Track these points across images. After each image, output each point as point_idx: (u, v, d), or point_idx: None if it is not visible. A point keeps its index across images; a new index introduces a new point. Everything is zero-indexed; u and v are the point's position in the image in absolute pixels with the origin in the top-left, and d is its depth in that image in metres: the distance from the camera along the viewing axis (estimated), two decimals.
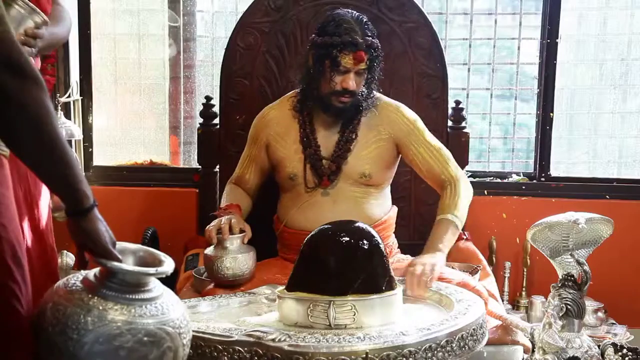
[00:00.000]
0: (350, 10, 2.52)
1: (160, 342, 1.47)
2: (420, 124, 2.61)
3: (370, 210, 2.56)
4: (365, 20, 2.48)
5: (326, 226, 2.00)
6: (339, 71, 2.42)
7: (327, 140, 2.56)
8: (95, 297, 1.44)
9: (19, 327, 1.40)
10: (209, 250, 2.35)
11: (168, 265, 1.53)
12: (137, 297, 1.48)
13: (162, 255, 1.58)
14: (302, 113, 2.58)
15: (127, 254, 1.54)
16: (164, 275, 1.52)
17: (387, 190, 2.67)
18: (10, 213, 1.41)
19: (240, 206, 2.52)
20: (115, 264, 1.46)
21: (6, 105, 1.27)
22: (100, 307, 1.43)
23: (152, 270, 1.50)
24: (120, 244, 1.51)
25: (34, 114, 1.30)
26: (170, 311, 1.52)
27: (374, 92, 2.55)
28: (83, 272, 1.52)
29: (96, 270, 1.50)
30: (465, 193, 2.51)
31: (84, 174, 1.44)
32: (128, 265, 1.49)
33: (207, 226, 2.36)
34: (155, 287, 1.54)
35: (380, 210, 2.60)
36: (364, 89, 2.48)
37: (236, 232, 2.35)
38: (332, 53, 2.40)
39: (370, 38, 2.43)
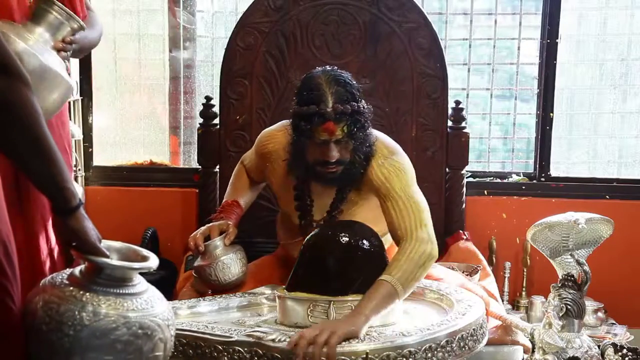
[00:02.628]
0: (326, 70, 2.19)
1: (153, 334, 1.50)
2: (403, 172, 2.24)
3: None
4: (342, 79, 2.16)
5: (326, 226, 2.00)
6: (315, 143, 2.15)
7: (321, 201, 2.34)
8: (88, 293, 1.46)
9: (11, 325, 1.41)
10: (196, 262, 2.33)
11: (152, 261, 1.56)
12: (125, 291, 1.51)
13: (145, 252, 1.61)
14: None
15: (112, 252, 1.56)
16: (149, 270, 1.55)
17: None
18: (1, 210, 1.42)
19: (240, 202, 2.45)
20: (105, 260, 1.48)
21: (5, 109, 1.29)
22: (94, 303, 1.45)
23: (138, 264, 1.54)
24: (104, 242, 1.53)
25: (20, 112, 1.30)
26: (158, 304, 1.55)
27: (371, 147, 2.23)
28: (67, 270, 1.54)
29: (81, 267, 1.53)
30: (413, 255, 2.04)
31: (70, 173, 1.45)
32: (112, 260, 1.52)
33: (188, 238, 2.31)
34: (141, 282, 1.57)
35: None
36: (354, 155, 2.18)
37: (215, 236, 2.30)
38: (304, 125, 2.13)
39: (347, 104, 2.12)
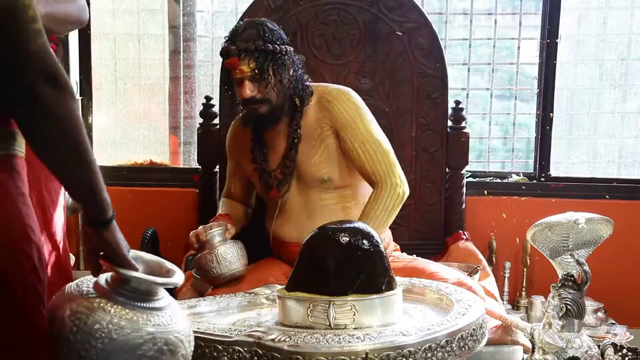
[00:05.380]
0: (253, 19, 2.44)
1: (176, 350, 1.49)
2: (362, 113, 2.44)
3: (351, 214, 2.44)
4: (259, 24, 2.36)
5: (326, 226, 2.00)
6: (235, 81, 2.37)
7: (274, 150, 2.50)
8: (116, 306, 1.45)
9: (43, 331, 1.40)
10: (197, 255, 2.36)
11: (178, 276, 1.54)
12: (151, 305, 1.49)
13: (170, 265, 1.58)
14: (249, 127, 2.54)
15: (139, 262, 1.53)
16: (175, 286, 1.54)
17: (363, 190, 2.51)
18: (35, 215, 1.42)
19: (230, 214, 2.54)
20: (135, 274, 1.46)
21: (41, 115, 1.29)
22: (122, 316, 1.44)
23: (166, 280, 1.51)
24: (133, 252, 1.52)
25: (66, 124, 1.31)
26: (180, 320, 1.54)
27: (301, 91, 2.43)
28: (91, 278, 1.53)
29: (107, 276, 1.51)
30: (388, 203, 2.34)
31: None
32: (143, 274, 1.50)
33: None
34: (164, 296, 1.55)
35: (359, 212, 2.44)
36: (274, 92, 2.35)
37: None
38: (223, 65, 2.40)
39: (252, 43, 2.31)
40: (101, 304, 1.44)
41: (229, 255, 2.32)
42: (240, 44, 2.32)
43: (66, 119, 1.31)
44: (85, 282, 1.52)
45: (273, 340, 1.74)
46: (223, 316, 2.09)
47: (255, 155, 2.52)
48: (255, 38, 2.32)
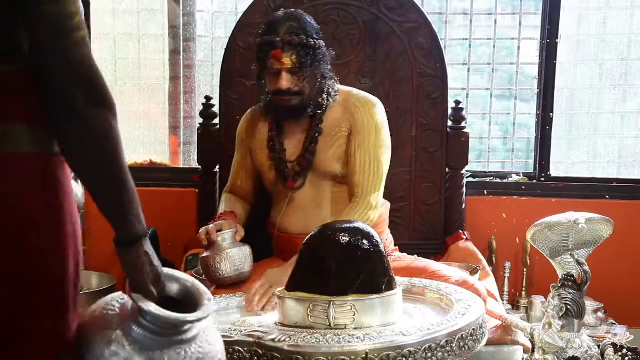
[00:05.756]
0: (289, 11, 2.49)
1: None
2: (379, 129, 2.49)
3: None
4: (299, 17, 2.43)
5: (326, 226, 2.00)
6: (271, 72, 2.42)
7: (294, 141, 2.54)
8: (134, 344, 1.32)
9: (70, 344, 1.36)
10: (204, 254, 2.36)
11: (206, 308, 1.38)
12: (177, 338, 1.35)
13: (205, 292, 1.43)
14: (269, 117, 2.58)
15: (172, 281, 1.41)
16: (199, 319, 1.37)
17: None
18: (79, 230, 1.41)
19: (235, 212, 2.53)
20: (146, 306, 1.32)
21: (81, 131, 1.27)
22: (139, 355, 1.32)
23: (181, 316, 1.34)
24: (168, 272, 1.41)
25: (111, 145, 1.29)
26: (212, 346, 1.40)
27: (332, 87, 2.49)
28: (123, 296, 1.41)
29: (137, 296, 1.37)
30: (358, 216, 2.37)
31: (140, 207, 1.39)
32: (157, 307, 1.33)
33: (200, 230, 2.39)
34: (192, 326, 1.38)
35: None
36: (308, 86, 2.42)
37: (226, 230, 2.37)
38: (260, 55, 2.43)
39: (295, 36, 2.37)
40: (117, 337, 1.32)
41: (237, 259, 2.34)
42: (285, 37, 2.37)
43: (112, 140, 1.28)
44: (117, 301, 1.40)
45: (273, 340, 1.74)
46: (223, 316, 2.09)
47: (274, 145, 2.54)
48: (299, 32, 2.39)
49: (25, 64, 1.27)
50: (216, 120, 3.11)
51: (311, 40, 2.40)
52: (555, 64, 3.36)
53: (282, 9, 2.53)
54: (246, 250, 2.37)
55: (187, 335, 1.37)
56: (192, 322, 1.36)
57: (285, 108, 2.46)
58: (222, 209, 2.60)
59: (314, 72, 2.42)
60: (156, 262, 1.37)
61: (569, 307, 2.13)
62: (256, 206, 2.72)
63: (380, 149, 2.48)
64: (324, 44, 2.46)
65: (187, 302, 1.40)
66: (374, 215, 2.44)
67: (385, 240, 2.65)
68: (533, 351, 2.27)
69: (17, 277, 1.27)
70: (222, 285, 2.34)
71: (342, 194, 2.51)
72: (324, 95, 2.47)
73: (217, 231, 2.36)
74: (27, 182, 1.29)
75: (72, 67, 1.25)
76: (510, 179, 3.44)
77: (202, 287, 1.44)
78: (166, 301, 1.37)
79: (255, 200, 2.72)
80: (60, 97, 1.26)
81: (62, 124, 1.27)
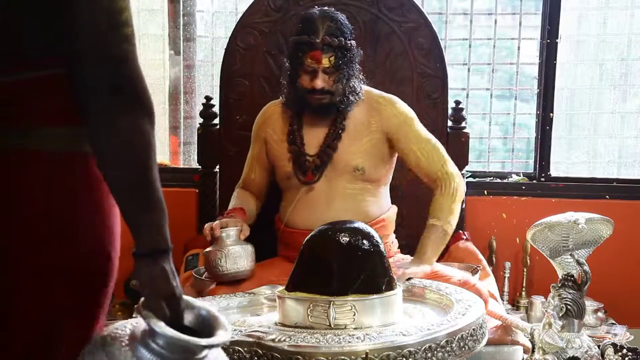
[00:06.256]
0: (324, 9, 2.53)
1: None
2: (413, 118, 2.60)
3: (367, 208, 2.56)
4: (335, 18, 2.48)
5: (326, 226, 2.00)
6: (305, 70, 2.46)
7: (314, 136, 2.57)
8: (135, 357, 1.25)
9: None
10: (207, 249, 2.37)
11: (221, 336, 1.29)
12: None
13: (222, 320, 1.34)
14: (291, 110, 2.61)
15: (188, 309, 1.32)
16: (213, 348, 1.30)
17: (385, 190, 2.67)
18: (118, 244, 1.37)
19: (244, 209, 2.54)
20: (155, 324, 1.24)
21: (112, 136, 1.23)
22: None
23: (195, 340, 1.25)
24: (185, 299, 1.32)
25: (150, 153, 1.24)
26: None
27: (358, 87, 2.55)
28: (138, 321, 1.32)
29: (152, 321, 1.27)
30: (459, 194, 2.52)
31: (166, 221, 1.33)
32: (167, 327, 1.24)
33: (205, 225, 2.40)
34: (206, 355, 1.30)
35: (377, 209, 2.59)
36: (339, 86, 2.47)
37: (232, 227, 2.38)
38: (297, 53, 2.47)
39: (335, 38, 2.43)
40: (123, 356, 1.25)
41: (238, 256, 2.35)
42: (325, 39, 2.43)
43: (140, 146, 1.23)
44: (129, 325, 1.32)
45: (273, 340, 1.74)
46: (223, 316, 2.09)
47: (295, 138, 2.57)
48: (337, 34, 2.45)
49: (64, 65, 1.24)
50: (216, 120, 3.11)
51: (348, 42, 2.47)
52: (555, 64, 3.35)
53: (316, 6, 2.58)
54: (248, 248, 2.38)
55: (199, 354, 1.28)
56: (204, 347, 1.26)
57: (315, 106, 2.50)
58: (232, 204, 2.61)
59: (347, 72, 2.48)
60: (175, 282, 1.30)
61: (569, 307, 2.13)
62: (263, 205, 2.72)
63: (423, 130, 2.59)
64: (355, 44, 2.52)
65: (202, 330, 1.32)
66: (462, 182, 2.56)
67: (392, 243, 2.67)
68: (533, 351, 2.27)
69: (57, 265, 1.26)
70: (222, 281, 2.35)
71: (353, 192, 2.55)
72: (353, 95, 2.52)
73: (221, 228, 2.37)
74: (67, 179, 1.27)
75: (116, 64, 1.22)
76: (510, 179, 3.44)
77: (220, 317, 1.35)
78: (180, 329, 1.27)
79: (266, 197, 2.73)
80: (97, 94, 1.22)
81: (94, 122, 1.23)
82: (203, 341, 1.25)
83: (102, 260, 1.32)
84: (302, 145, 2.56)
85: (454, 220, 2.49)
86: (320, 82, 2.44)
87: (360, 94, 2.56)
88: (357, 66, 2.54)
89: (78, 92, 1.24)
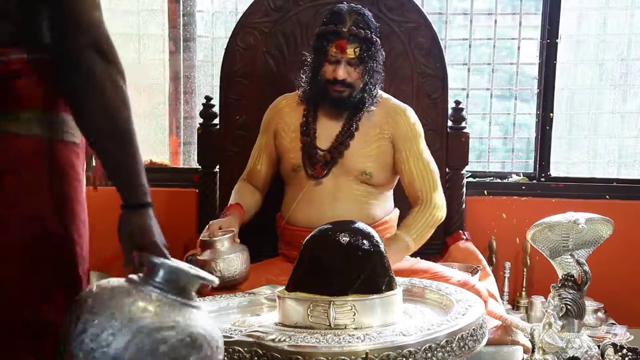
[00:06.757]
0: (352, 5, 2.56)
1: (202, 348, 1.40)
2: (421, 135, 2.62)
3: (370, 210, 2.56)
4: (362, 13, 2.51)
5: (326, 226, 2.00)
6: (329, 60, 2.47)
7: (327, 131, 2.57)
8: (142, 292, 1.38)
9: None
10: (201, 256, 2.37)
11: (214, 278, 1.49)
12: (181, 300, 1.41)
13: (208, 276, 1.50)
14: (307, 103, 2.61)
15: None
16: (210, 284, 1.48)
17: (390, 194, 2.68)
18: (85, 230, 1.45)
19: (242, 204, 2.53)
20: (164, 260, 1.40)
21: (88, 85, 1.31)
22: (146, 300, 1.37)
23: (196, 272, 1.42)
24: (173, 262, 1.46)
25: (111, 99, 1.33)
26: (210, 324, 1.46)
27: (377, 89, 2.56)
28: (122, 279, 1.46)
29: (139, 274, 1.44)
30: (430, 220, 2.52)
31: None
32: (176, 262, 1.43)
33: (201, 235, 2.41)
34: (199, 305, 1.46)
35: (381, 211, 2.60)
36: (360, 81, 2.49)
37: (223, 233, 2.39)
38: (322, 42, 2.48)
39: (361, 30, 2.45)
40: (127, 289, 1.38)
41: (232, 264, 2.36)
42: (352, 29, 2.45)
43: (112, 94, 1.32)
44: (117, 279, 1.45)
45: (273, 340, 1.74)
46: (223, 316, 2.09)
47: (309, 129, 2.58)
48: (363, 26, 2.47)
49: (43, 51, 1.31)
50: (216, 120, 3.11)
51: (373, 36, 2.49)
52: (555, 64, 3.36)
53: (344, 2, 2.60)
54: (244, 254, 2.39)
55: (193, 302, 1.42)
56: (198, 277, 1.41)
57: (334, 98, 2.51)
58: (232, 199, 2.62)
59: (369, 68, 2.49)
60: (160, 233, 1.43)
61: (569, 307, 2.13)
62: (264, 203, 2.72)
63: (426, 151, 2.61)
64: (380, 43, 2.54)
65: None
66: (442, 214, 2.57)
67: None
68: (533, 351, 2.27)
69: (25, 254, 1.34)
70: (219, 288, 2.34)
71: (358, 194, 2.55)
72: (371, 96, 2.54)
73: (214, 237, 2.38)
74: (34, 162, 1.33)
75: (81, 24, 1.30)
76: (510, 179, 3.44)
77: (208, 276, 1.48)
78: None
79: (268, 190, 2.72)
80: (68, 51, 1.30)
81: (69, 76, 1.31)
82: (201, 272, 1.42)
83: (66, 244, 1.38)
84: (314, 137, 2.57)
85: (421, 241, 2.51)
86: (342, 73, 2.46)
87: (377, 97, 2.57)
88: (380, 67, 2.55)
89: (54, 50, 1.32)
